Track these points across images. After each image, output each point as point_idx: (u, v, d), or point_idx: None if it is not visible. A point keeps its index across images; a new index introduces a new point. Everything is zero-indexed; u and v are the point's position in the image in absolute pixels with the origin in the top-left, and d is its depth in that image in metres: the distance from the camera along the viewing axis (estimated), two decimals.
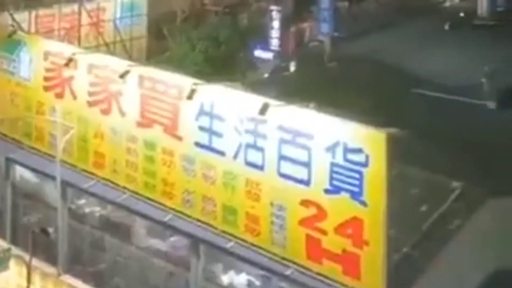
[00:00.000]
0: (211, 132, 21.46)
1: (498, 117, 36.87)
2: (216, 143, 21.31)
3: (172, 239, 23.33)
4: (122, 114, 23.66)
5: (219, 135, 21.26)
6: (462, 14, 60.59)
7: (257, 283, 21.51)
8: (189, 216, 22.11)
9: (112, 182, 24.03)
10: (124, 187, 23.66)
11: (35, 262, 23.86)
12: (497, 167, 29.41)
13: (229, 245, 21.04)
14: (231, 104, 21.20)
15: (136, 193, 23.35)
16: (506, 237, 24.21)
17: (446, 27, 56.25)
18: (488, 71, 41.11)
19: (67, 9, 40.28)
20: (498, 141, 32.36)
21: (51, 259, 24.90)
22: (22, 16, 36.81)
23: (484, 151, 31.00)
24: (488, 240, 23.97)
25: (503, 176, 28.38)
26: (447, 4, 67.01)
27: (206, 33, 38.90)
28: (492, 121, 35.85)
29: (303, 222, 19.61)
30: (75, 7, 40.11)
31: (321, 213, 19.24)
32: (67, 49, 26.37)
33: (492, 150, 31.20)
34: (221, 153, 21.16)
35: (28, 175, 26.87)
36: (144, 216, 23.34)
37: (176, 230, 22.56)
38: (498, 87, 39.70)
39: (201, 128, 21.67)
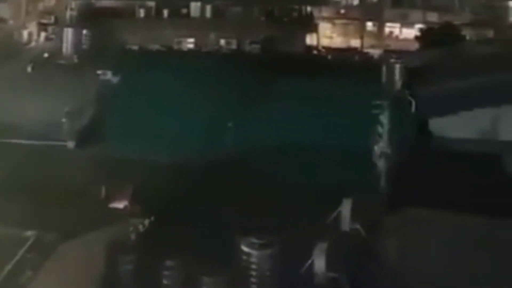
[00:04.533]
0: None
1: (77, 157, 37.29)
2: None
3: None
4: None
5: None
6: (46, 55, 60.29)
7: None
8: None
9: None
10: None
11: None
12: (78, 208, 29.70)
13: None
14: None
15: None
16: None
17: (29, 69, 55.54)
18: (69, 111, 41.40)
19: None
20: (78, 181, 32.70)
21: None
22: None
23: (64, 193, 31.07)
24: None
25: (82, 217, 28.77)
26: (32, 45, 66.06)
27: None
28: (72, 162, 36.14)
29: None
30: None
31: None
32: None
33: (71, 191, 31.38)
34: None
35: None
36: None
37: None
38: (78, 126, 40.29)
39: None
